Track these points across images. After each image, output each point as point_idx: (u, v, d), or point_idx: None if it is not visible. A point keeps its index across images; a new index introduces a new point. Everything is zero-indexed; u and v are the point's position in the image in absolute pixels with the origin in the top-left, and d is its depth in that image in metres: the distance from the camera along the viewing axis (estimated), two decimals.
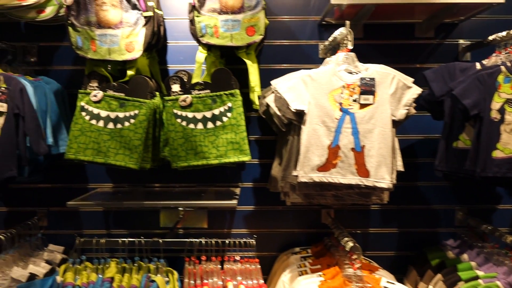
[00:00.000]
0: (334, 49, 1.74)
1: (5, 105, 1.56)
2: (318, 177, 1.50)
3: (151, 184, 1.96)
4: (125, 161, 1.54)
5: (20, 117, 1.57)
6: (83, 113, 1.56)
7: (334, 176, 1.50)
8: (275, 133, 1.85)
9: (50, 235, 1.96)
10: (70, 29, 1.53)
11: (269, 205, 1.96)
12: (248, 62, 1.63)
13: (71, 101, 1.88)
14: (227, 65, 1.70)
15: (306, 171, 1.51)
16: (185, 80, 1.58)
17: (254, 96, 1.66)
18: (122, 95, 1.57)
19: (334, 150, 1.50)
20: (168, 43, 1.90)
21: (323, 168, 1.51)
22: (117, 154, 1.54)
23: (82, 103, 1.57)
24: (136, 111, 1.56)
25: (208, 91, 1.58)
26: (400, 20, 1.90)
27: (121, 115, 1.56)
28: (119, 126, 1.55)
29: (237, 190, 1.89)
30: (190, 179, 1.94)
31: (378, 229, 1.98)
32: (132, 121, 1.55)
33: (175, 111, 1.57)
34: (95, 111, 1.57)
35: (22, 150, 1.57)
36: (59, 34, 1.90)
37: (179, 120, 1.57)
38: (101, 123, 1.56)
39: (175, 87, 1.58)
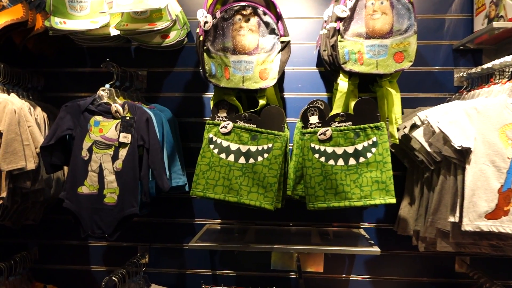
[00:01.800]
0: (479, 78, 1.54)
1: (129, 135, 1.44)
2: (487, 226, 1.29)
3: (261, 222, 1.79)
4: (259, 200, 1.38)
5: (144, 149, 1.45)
6: (211, 146, 1.43)
7: (506, 226, 1.28)
8: (403, 168, 1.66)
9: (151, 273, 1.82)
10: (205, 55, 1.41)
11: (394, 249, 1.75)
12: (391, 91, 1.46)
13: (180, 130, 1.76)
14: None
15: (472, 218, 1.30)
16: (323, 111, 1.42)
17: (394, 129, 1.48)
18: (253, 126, 1.43)
19: (505, 195, 1.29)
20: (285, 69, 1.76)
21: (492, 215, 1.29)
22: (250, 193, 1.38)
23: (211, 135, 1.43)
24: (270, 145, 1.41)
25: (349, 123, 1.41)
26: None
27: (253, 148, 1.41)
28: (251, 161, 1.40)
29: (362, 232, 1.69)
30: (303, 217, 1.76)
31: None
32: (266, 155, 1.40)
33: (312, 145, 1.41)
34: (225, 143, 1.43)
35: (145, 185, 1.44)
36: (168, 59, 1.80)
37: (317, 156, 1.40)
38: (231, 157, 1.41)
39: (313, 119, 1.42)
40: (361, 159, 1.39)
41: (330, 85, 1.75)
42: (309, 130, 1.42)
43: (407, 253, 1.74)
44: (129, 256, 1.79)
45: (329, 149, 1.40)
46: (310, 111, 1.42)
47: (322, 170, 1.40)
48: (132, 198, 1.43)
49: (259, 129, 1.42)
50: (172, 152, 1.63)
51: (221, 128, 1.43)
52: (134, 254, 1.81)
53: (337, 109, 1.44)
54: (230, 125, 1.43)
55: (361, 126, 1.40)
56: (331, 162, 1.40)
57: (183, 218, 1.82)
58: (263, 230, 1.74)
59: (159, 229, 1.82)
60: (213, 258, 1.81)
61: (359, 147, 1.40)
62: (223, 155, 1.41)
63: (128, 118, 1.45)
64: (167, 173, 1.53)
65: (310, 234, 1.70)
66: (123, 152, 1.45)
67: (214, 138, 1.43)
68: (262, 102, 1.47)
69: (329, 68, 1.55)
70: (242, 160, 1.41)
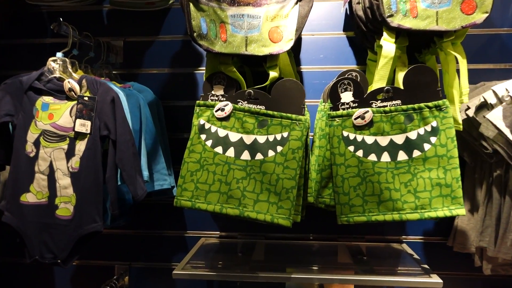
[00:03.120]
0: None
1: (88, 123, 1.04)
2: None
3: (272, 234, 1.38)
4: (271, 213, 0.97)
5: (110, 141, 1.04)
6: (203, 136, 1.01)
7: None
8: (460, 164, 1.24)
9: None
10: (191, 7, 0.99)
11: (449, 271, 1.33)
12: (456, 57, 1.03)
13: (167, 117, 1.35)
14: None
15: None
16: (360, 85, 1.00)
17: (457, 111, 1.05)
18: (262, 108, 1.01)
19: None
20: (302, 35, 1.34)
21: None
22: (258, 202, 0.97)
23: (202, 121, 1.02)
24: (285, 134, 0.99)
25: (398, 102, 0.99)
26: None
27: (261, 139, 1.00)
28: (259, 157, 0.99)
29: (405, 248, 1.28)
30: (326, 227, 1.36)
31: None
32: (279, 149, 0.99)
33: (345, 133, 0.99)
34: (221, 132, 1.01)
35: (112, 192, 1.04)
36: (150, 26, 1.39)
37: (351, 148, 0.99)
38: (230, 152, 1.00)
39: (346, 96, 1.00)
40: (416, 153, 0.97)
41: (362, 55, 1.33)
42: (340, 112, 1.00)
43: (466, 276, 1.32)
44: (104, 278, 1.40)
45: (369, 139, 0.99)
46: (341, 85, 1.00)
47: (360, 169, 0.98)
48: (94, 209, 1.03)
49: (270, 112, 1.00)
50: (154, 145, 1.22)
51: (217, 111, 1.02)
52: (111, 276, 1.42)
53: (379, 82, 1.02)
54: (229, 107, 1.01)
55: (415, 105, 0.98)
56: (372, 157, 0.98)
57: (172, 230, 1.42)
58: (275, 247, 1.33)
59: (142, 244, 1.42)
60: (211, 281, 1.41)
61: (413, 135, 0.98)
62: (219, 149, 1.00)
63: (86, 98, 1.04)
64: (146, 173, 1.13)
65: (337, 251, 1.29)
66: (80, 146, 1.04)
67: (207, 125, 1.02)
68: (273, 74, 1.05)
69: (364, 28, 1.12)
70: (246, 155, 0.99)
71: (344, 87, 1.00)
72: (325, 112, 1.03)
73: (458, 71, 1.03)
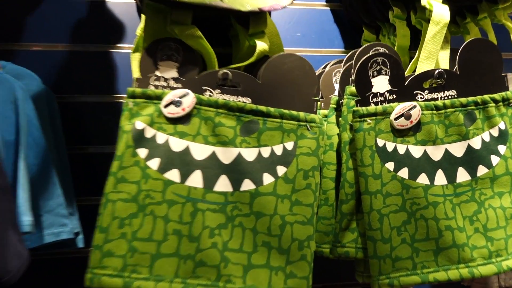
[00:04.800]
0: None
1: None
2: None
3: None
4: (278, 285, 0.54)
5: None
6: (142, 152, 0.55)
7: None
8: None
9: None
10: None
11: None
12: None
13: (67, 120, 0.84)
14: None
15: None
16: (399, 64, 0.63)
17: None
18: (246, 102, 0.59)
19: None
20: None
21: None
22: (252, 269, 0.54)
23: (139, 124, 0.55)
24: (289, 144, 0.58)
25: (452, 92, 0.65)
26: None
27: (249, 155, 0.57)
28: (247, 186, 0.56)
29: None
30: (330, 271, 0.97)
31: None
32: (281, 171, 0.57)
33: (380, 141, 0.61)
34: (176, 144, 0.56)
35: None
36: None
37: (390, 166, 0.61)
38: (195, 179, 0.55)
39: (380, 83, 0.62)
40: (481, 170, 0.64)
41: (351, 35, 0.98)
42: (373, 108, 0.62)
43: None
44: None
45: (417, 151, 0.63)
46: (373, 65, 0.62)
47: (405, 198, 0.61)
48: None
49: (262, 108, 0.58)
50: (42, 167, 0.71)
51: (167, 106, 0.56)
52: None
53: (427, 61, 0.66)
54: (190, 99, 0.56)
55: (478, 98, 0.64)
56: (423, 179, 0.62)
57: None
58: None
59: None
60: None
61: (476, 143, 0.64)
62: (173, 175, 0.54)
63: None
64: (26, 218, 0.62)
65: None
66: None
67: (149, 132, 0.55)
68: (261, 46, 0.62)
69: None
70: (224, 184, 0.56)
71: (378, 67, 0.62)
72: (347, 108, 0.64)
73: None
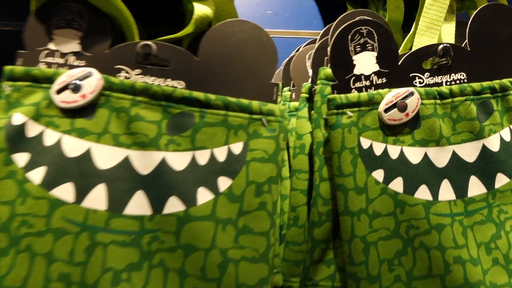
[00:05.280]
0: None
1: None
2: None
3: None
4: None
5: None
6: (20, 158, 0.37)
7: None
8: None
9: None
10: None
11: None
12: None
13: None
14: None
15: None
16: (390, 36, 0.46)
17: None
18: (178, 86, 0.42)
19: None
20: None
21: None
22: None
23: (18, 117, 0.38)
24: (237, 146, 0.41)
25: (461, 75, 0.48)
26: None
27: (177, 161, 0.40)
28: (173, 207, 0.39)
29: None
30: None
31: None
32: (224, 184, 0.40)
33: (365, 142, 0.45)
34: (87, 148, 0.38)
35: None
36: None
37: (379, 175, 0.44)
38: (97, 199, 0.38)
39: (365, 62, 0.46)
40: (501, 180, 0.48)
41: (330, 13, 0.82)
42: (355, 96, 0.45)
43: None
44: None
45: (414, 154, 0.46)
46: (356, 36, 0.45)
47: (399, 220, 0.44)
48: None
49: (199, 95, 0.41)
50: None
51: (61, 91, 0.39)
52: None
53: (427, 33, 0.49)
54: (94, 82, 0.39)
55: (495, 83, 0.48)
56: (423, 193, 0.45)
57: None
58: None
59: None
60: None
61: (493, 143, 0.48)
62: (63, 190, 0.37)
63: None
64: None
65: None
66: None
67: (33, 130, 0.38)
68: (200, 11, 0.45)
69: None
70: (139, 205, 0.38)
71: (361, 40, 0.45)
72: (320, 97, 0.47)
73: None
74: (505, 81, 0.48)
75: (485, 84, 0.47)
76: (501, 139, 0.48)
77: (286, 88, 0.62)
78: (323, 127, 0.48)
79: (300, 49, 0.61)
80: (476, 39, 0.48)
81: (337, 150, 0.44)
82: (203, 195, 0.39)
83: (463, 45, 0.48)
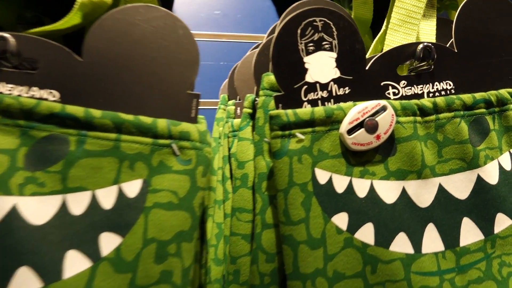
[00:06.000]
0: None
1: None
2: None
3: None
4: None
5: None
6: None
7: None
8: None
9: None
10: None
11: None
12: None
13: None
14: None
15: None
16: (355, 31, 0.35)
17: None
18: (50, 98, 0.28)
19: None
20: None
21: None
22: None
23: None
24: (133, 185, 0.28)
25: (447, 84, 0.37)
26: None
27: (31, 206, 0.26)
28: (30, 283, 0.25)
29: None
30: None
31: None
32: (111, 243, 0.26)
33: (322, 175, 0.32)
34: None
35: None
36: None
37: (341, 222, 0.32)
38: None
39: (321, 65, 0.33)
40: (501, 222, 0.36)
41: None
42: (308, 112, 0.32)
43: None
44: None
45: (388, 189, 0.33)
46: (307, 30, 0.33)
47: (368, 281, 0.32)
48: None
49: (74, 111, 0.28)
50: None
51: None
52: None
53: (402, 28, 0.38)
54: None
55: (490, 94, 0.37)
56: (402, 244, 0.33)
57: None
58: None
59: None
60: None
61: (490, 174, 0.36)
62: None
63: None
64: None
65: None
66: None
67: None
68: None
69: None
70: None
71: (316, 36, 0.33)
72: (262, 117, 0.35)
73: None
74: (503, 92, 0.37)
75: (478, 96, 0.36)
76: (500, 167, 0.36)
77: (230, 102, 0.50)
78: (267, 153, 0.35)
79: (247, 54, 0.49)
80: (464, 37, 0.37)
81: (282, 188, 0.31)
82: (74, 263, 0.25)
83: (448, 45, 0.37)
